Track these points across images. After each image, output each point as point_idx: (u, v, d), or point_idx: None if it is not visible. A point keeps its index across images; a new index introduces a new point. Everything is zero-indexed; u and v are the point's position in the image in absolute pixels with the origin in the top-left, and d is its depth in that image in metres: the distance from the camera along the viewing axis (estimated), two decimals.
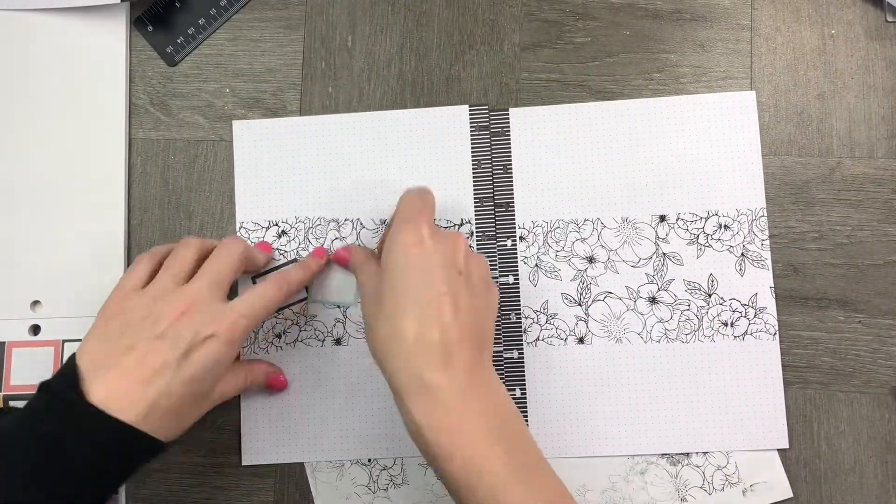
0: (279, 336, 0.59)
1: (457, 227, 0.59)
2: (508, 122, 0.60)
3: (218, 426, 0.59)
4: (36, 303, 0.60)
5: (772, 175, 0.59)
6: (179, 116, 0.62)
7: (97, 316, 0.51)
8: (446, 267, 0.48)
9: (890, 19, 0.59)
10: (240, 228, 0.60)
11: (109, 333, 0.49)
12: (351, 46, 0.61)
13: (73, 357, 0.49)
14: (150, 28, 0.62)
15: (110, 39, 0.61)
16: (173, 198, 0.61)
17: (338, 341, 0.59)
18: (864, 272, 0.58)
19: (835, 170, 0.58)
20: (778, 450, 0.57)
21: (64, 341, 0.59)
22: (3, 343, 0.59)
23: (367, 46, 0.61)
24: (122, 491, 0.59)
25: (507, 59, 0.61)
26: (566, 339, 0.58)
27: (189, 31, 0.62)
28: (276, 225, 0.60)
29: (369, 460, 0.58)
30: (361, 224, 0.60)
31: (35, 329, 0.60)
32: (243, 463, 0.59)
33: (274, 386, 0.58)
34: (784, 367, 0.57)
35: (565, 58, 0.60)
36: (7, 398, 0.59)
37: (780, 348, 0.57)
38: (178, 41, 0.62)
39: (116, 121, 0.61)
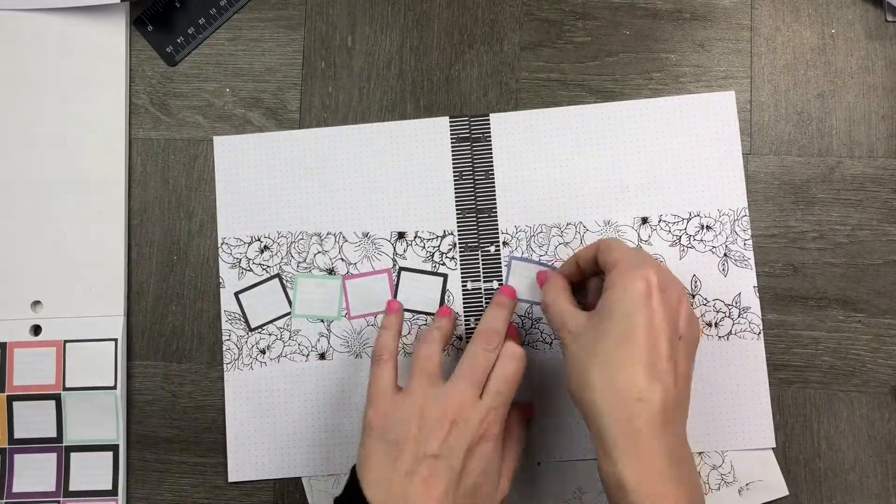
0: (263, 352, 0.59)
1: (439, 238, 0.59)
2: (489, 128, 0.60)
3: (219, 427, 0.59)
4: (37, 303, 0.60)
5: (772, 175, 0.59)
6: (179, 116, 0.62)
7: (364, 424, 0.50)
8: (670, 327, 0.46)
9: (890, 19, 0.59)
10: (222, 244, 0.60)
11: (386, 454, 0.48)
12: (351, 46, 0.61)
13: (355, 480, 0.48)
14: (150, 28, 0.62)
15: (110, 39, 0.61)
16: (173, 198, 0.61)
17: (322, 356, 0.59)
18: (864, 272, 0.58)
19: (835, 169, 0.58)
20: (774, 449, 0.57)
21: (65, 342, 0.59)
22: (5, 344, 0.59)
23: (367, 46, 0.61)
24: (122, 491, 0.59)
25: (507, 59, 0.61)
26: (551, 342, 0.58)
27: (189, 31, 0.62)
28: (259, 240, 0.60)
29: None
30: (344, 238, 0.60)
31: (36, 329, 0.60)
32: (229, 479, 0.59)
33: (529, 417, 0.56)
34: (784, 366, 0.57)
35: (565, 57, 0.60)
36: (10, 398, 0.59)
37: (780, 348, 0.57)
38: (178, 41, 0.62)
39: (116, 121, 0.61)
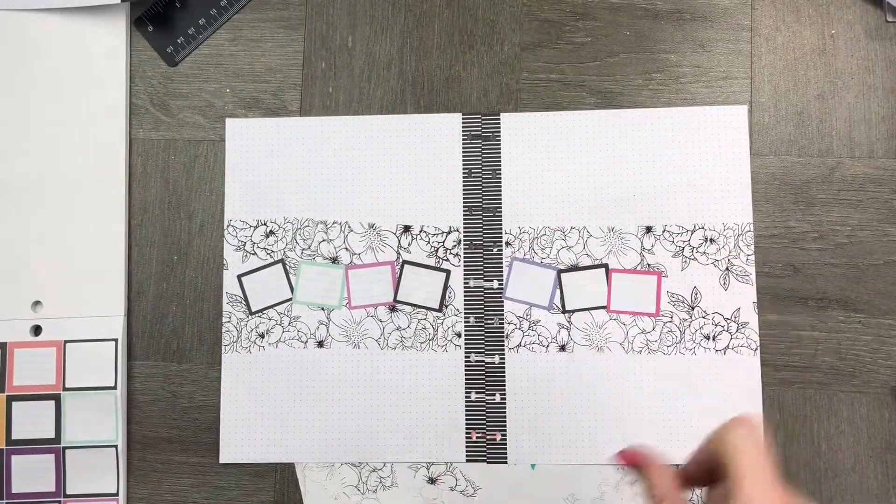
0: (262, 336, 0.60)
1: (444, 233, 0.59)
2: (499, 128, 0.60)
3: (219, 427, 0.59)
4: (37, 303, 0.60)
5: (772, 175, 0.59)
6: (179, 116, 0.62)
7: None
8: None
9: (890, 19, 0.59)
10: (228, 226, 0.60)
11: None
12: (351, 46, 0.61)
13: None
14: (150, 28, 0.62)
15: (110, 39, 0.61)
16: (173, 198, 0.61)
17: (320, 344, 0.59)
18: (864, 272, 0.58)
19: (835, 170, 0.58)
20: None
21: (66, 342, 0.59)
22: (5, 344, 0.59)
23: (367, 46, 0.61)
24: (123, 491, 0.59)
25: (507, 59, 0.61)
26: (548, 346, 0.58)
27: (189, 31, 0.62)
28: (265, 224, 0.60)
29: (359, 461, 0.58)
30: (349, 227, 0.60)
31: (36, 329, 0.60)
32: (221, 460, 0.59)
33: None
34: (784, 367, 0.57)
35: (565, 58, 0.60)
36: (10, 398, 0.59)
37: (780, 349, 0.57)
38: (178, 41, 0.62)
39: (116, 121, 0.61)
